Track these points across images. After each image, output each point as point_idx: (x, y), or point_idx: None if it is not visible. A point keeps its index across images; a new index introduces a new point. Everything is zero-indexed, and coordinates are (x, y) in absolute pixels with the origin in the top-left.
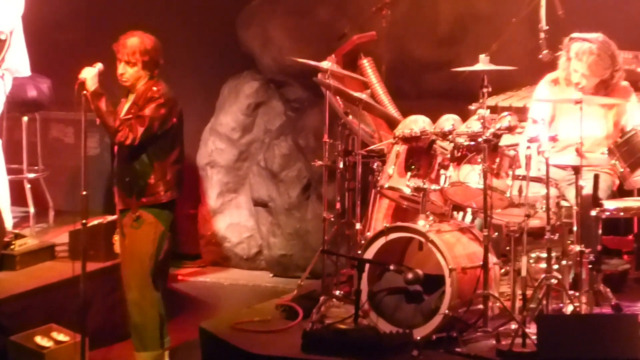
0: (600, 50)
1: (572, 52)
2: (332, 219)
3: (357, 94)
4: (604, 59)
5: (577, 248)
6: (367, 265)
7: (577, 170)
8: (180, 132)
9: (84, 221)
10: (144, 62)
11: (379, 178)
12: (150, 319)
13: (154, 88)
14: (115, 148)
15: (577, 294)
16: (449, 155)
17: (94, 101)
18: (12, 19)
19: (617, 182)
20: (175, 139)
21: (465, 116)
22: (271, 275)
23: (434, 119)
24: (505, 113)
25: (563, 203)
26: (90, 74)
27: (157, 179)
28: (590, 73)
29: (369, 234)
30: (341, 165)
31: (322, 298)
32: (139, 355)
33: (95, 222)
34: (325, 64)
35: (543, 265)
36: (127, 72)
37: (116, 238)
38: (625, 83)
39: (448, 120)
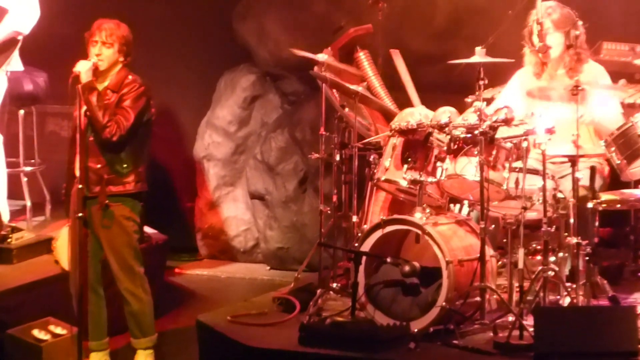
0: (558, 6)
1: (535, 25)
2: (329, 212)
3: (353, 87)
4: (564, 14)
5: (574, 240)
6: (364, 258)
7: (573, 161)
8: (152, 124)
9: (80, 214)
10: (120, 44)
11: (375, 171)
12: (146, 304)
13: (130, 77)
14: (77, 134)
15: (574, 286)
16: (445, 148)
17: (85, 94)
18: (31, 22)
19: (607, 169)
20: (150, 131)
21: (461, 109)
22: (268, 268)
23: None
24: (502, 105)
25: (559, 195)
26: (84, 67)
27: (129, 169)
28: (555, 27)
29: (366, 227)
30: (338, 158)
31: (319, 291)
32: (137, 342)
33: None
34: (322, 57)
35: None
36: (103, 52)
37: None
38: (598, 65)
39: (444, 113)
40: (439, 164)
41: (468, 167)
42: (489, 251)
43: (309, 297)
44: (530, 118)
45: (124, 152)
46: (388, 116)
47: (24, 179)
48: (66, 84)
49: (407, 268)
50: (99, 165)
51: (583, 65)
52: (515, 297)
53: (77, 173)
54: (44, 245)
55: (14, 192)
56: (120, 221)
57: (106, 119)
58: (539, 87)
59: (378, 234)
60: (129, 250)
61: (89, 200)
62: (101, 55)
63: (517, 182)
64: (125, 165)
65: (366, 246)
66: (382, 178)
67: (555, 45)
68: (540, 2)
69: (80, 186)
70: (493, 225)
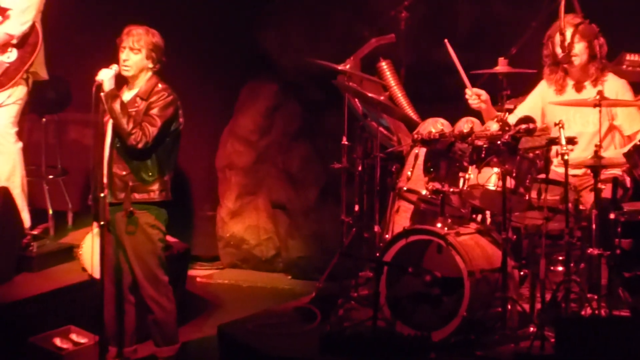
0: (579, 18)
1: (557, 36)
2: (351, 222)
3: (375, 97)
4: (585, 24)
5: (596, 251)
6: (385, 268)
7: (595, 172)
8: (180, 134)
9: (102, 222)
10: (148, 50)
11: (397, 180)
12: (170, 312)
13: (160, 85)
14: (108, 139)
15: (595, 297)
16: (467, 158)
17: (108, 102)
18: (23, 25)
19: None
20: (177, 141)
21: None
22: (289, 277)
23: (453, 122)
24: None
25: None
26: (107, 76)
27: (155, 178)
28: (580, 36)
29: (388, 237)
30: (360, 168)
31: (340, 300)
32: (160, 350)
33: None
34: (344, 67)
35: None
36: (130, 58)
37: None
38: (621, 80)
39: (467, 123)
40: (461, 174)
41: (490, 177)
42: (511, 262)
43: (330, 307)
44: (555, 128)
45: (150, 160)
46: (410, 126)
47: (46, 187)
48: (89, 92)
49: (428, 278)
50: (124, 172)
51: (606, 75)
52: (537, 307)
53: (105, 180)
54: (66, 253)
55: (36, 199)
56: (145, 229)
57: (130, 126)
58: (564, 98)
59: (400, 243)
60: (154, 259)
61: (114, 207)
62: (128, 60)
63: (539, 192)
64: (150, 174)
65: (388, 256)
66: (404, 188)
67: (579, 54)
68: (563, 13)
69: (102, 194)
70: (515, 236)
